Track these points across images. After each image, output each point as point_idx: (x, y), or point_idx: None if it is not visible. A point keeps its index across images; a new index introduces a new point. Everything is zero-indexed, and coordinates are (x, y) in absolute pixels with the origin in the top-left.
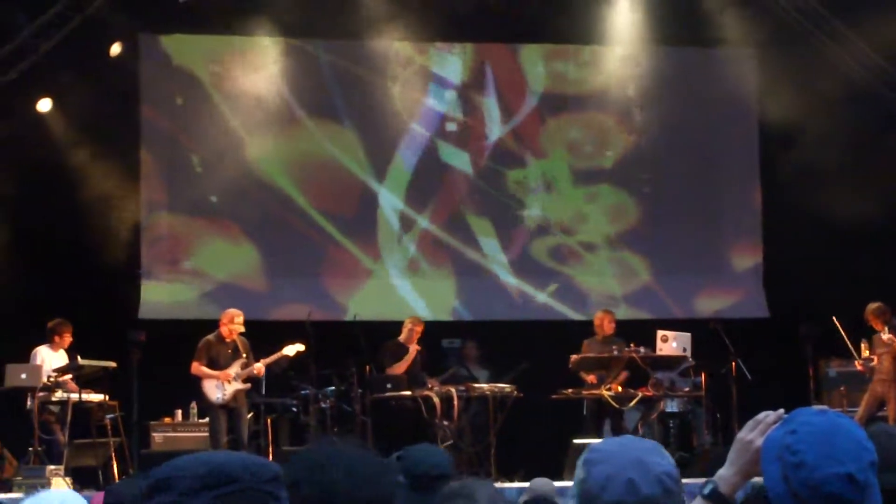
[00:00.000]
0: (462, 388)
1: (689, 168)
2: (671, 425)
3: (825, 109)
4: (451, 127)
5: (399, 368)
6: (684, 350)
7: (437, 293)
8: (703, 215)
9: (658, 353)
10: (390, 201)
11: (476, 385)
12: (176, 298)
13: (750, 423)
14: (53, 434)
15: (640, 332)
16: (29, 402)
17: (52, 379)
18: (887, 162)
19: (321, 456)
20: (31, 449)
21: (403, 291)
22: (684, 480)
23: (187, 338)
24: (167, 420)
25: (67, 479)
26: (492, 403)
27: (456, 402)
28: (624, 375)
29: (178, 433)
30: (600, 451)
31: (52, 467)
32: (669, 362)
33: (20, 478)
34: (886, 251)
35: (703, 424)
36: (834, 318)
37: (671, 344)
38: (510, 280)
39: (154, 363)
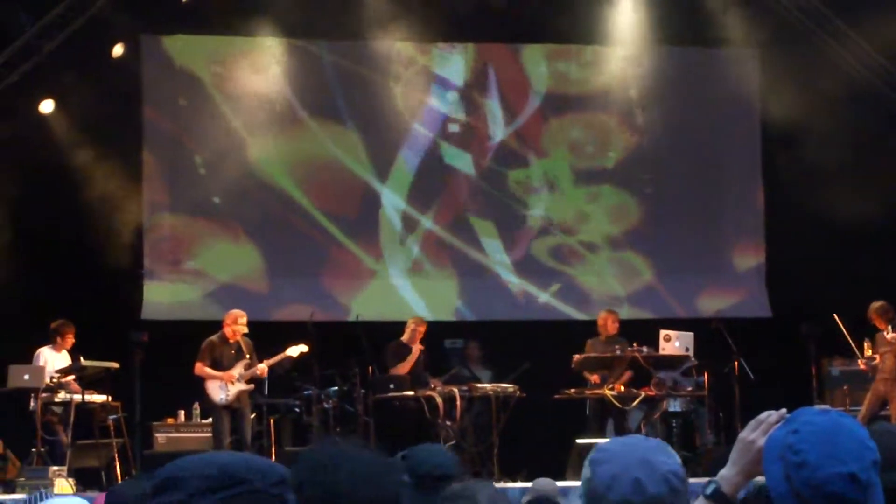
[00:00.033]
0: (465, 388)
1: (691, 168)
2: (674, 425)
3: (827, 109)
4: (454, 128)
5: (403, 369)
6: (687, 350)
7: (439, 293)
8: (705, 215)
9: (661, 352)
10: (393, 202)
11: (479, 385)
12: (178, 299)
13: (752, 423)
14: (56, 435)
15: (642, 331)
16: (32, 403)
17: (54, 380)
18: (889, 162)
19: (327, 456)
20: (33, 450)
21: (405, 292)
22: None
23: (190, 338)
24: (170, 421)
25: (70, 479)
26: (494, 403)
27: (459, 403)
28: (628, 375)
29: (180, 434)
30: (607, 450)
31: (55, 468)
32: (672, 362)
33: (23, 478)
34: (889, 251)
35: (706, 424)
36: (835, 315)
37: (674, 343)
38: (513, 280)
39: (156, 364)
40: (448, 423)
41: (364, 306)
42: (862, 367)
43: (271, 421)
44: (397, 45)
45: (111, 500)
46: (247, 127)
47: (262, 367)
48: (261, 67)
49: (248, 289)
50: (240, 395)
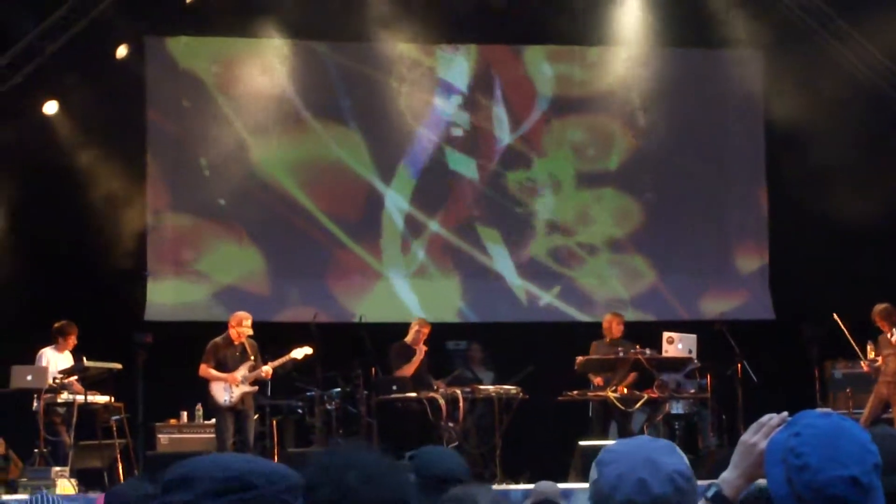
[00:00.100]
0: (468, 389)
1: (694, 169)
2: (677, 427)
3: (831, 110)
4: (457, 132)
5: (407, 370)
6: (690, 352)
7: (442, 295)
8: (708, 217)
9: (664, 354)
10: (396, 203)
11: (482, 387)
12: (182, 300)
13: (754, 426)
14: (59, 435)
15: (645, 333)
16: (35, 404)
17: (57, 380)
18: (894, 162)
19: (336, 459)
20: (36, 450)
21: (408, 293)
22: None
23: (193, 340)
24: (173, 422)
25: (73, 480)
26: (497, 405)
27: (461, 404)
28: (632, 377)
29: (183, 435)
30: (613, 451)
31: (58, 469)
32: (675, 364)
33: (25, 479)
34: (894, 252)
35: (709, 426)
36: (835, 315)
37: (677, 346)
38: (516, 282)
39: (159, 365)
40: (451, 424)
41: (367, 308)
42: (865, 369)
43: (274, 422)
44: (400, 46)
45: (111, 501)
46: (250, 128)
47: (267, 370)
48: (264, 69)
49: (252, 290)
50: (243, 396)
